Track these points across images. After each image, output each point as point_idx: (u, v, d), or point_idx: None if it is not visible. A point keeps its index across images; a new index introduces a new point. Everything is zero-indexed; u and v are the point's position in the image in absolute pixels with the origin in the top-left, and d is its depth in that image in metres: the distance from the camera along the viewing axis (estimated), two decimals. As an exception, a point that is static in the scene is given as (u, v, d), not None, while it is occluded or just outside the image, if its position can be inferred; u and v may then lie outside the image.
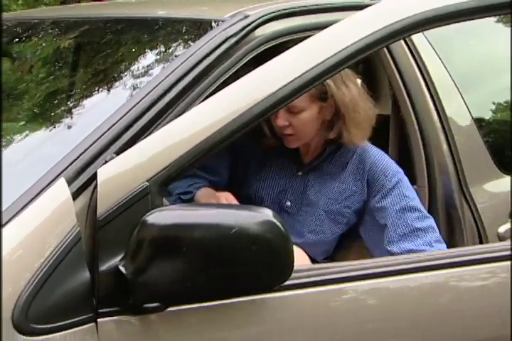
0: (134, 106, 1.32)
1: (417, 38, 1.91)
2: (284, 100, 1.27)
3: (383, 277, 1.31)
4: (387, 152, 2.06)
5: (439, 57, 1.94)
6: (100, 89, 1.59)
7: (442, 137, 1.90)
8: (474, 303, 1.41)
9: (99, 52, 1.73)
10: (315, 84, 1.31)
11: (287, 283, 1.20)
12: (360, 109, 1.81)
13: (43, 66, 1.81)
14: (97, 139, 1.25)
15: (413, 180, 1.93)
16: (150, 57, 1.65)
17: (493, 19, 2.13)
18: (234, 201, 1.72)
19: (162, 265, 1.14)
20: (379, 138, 2.10)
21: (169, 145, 1.21)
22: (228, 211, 1.20)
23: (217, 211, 1.21)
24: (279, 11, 1.62)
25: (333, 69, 1.31)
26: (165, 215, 1.16)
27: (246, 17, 1.57)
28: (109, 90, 1.56)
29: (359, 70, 2.50)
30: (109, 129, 1.27)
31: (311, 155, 1.92)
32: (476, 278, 1.41)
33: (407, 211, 1.79)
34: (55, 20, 1.90)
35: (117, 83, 1.58)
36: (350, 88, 1.79)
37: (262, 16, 1.57)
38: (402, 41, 1.89)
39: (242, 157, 1.94)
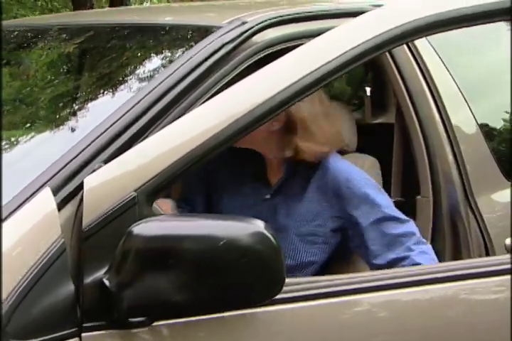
0: (126, 113, 1.29)
1: (421, 44, 1.87)
2: (280, 106, 1.24)
3: (377, 291, 1.28)
4: (391, 161, 2.02)
5: (444, 64, 1.90)
6: (90, 97, 1.57)
7: (447, 146, 1.85)
8: (486, 316, 1.37)
9: (93, 60, 1.71)
10: (312, 91, 1.28)
11: (280, 296, 1.16)
12: (320, 124, 1.76)
13: (38, 73, 1.79)
14: (85, 148, 1.22)
15: (417, 190, 1.88)
16: (144, 64, 1.63)
17: (503, 24, 2.08)
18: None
19: (148, 278, 1.10)
20: (383, 147, 2.06)
21: (159, 154, 1.18)
22: (218, 222, 1.17)
23: (207, 222, 1.17)
24: (277, 17, 1.60)
25: (330, 75, 1.28)
26: (152, 226, 1.13)
27: (244, 23, 1.56)
28: (99, 98, 1.54)
29: (368, 78, 2.48)
30: (97, 137, 1.24)
31: (275, 176, 1.85)
32: (487, 291, 1.38)
33: (382, 221, 1.72)
34: (49, 27, 1.87)
35: (109, 90, 1.55)
36: (311, 103, 1.73)
37: (260, 23, 1.55)
38: (405, 47, 1.84)
39: (216, 184, 1.92)
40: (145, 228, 1.12)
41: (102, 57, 1.70)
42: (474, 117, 1.91)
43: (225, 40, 1.48)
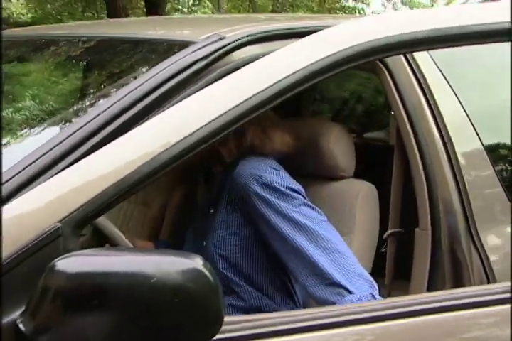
0: (77, 130, 1.17)
1: (423, 61, 1.71)
2: (212, 136, 1.15)
3: (328, 329, 1.16)
4: (389, 186, 1.85)
5: (445, 78, 1.72)
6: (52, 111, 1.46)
7: (449, 172, 1.67)
8: None
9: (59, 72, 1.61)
10: (241, 122, 1.19)
11: (218, 337, 1.05)
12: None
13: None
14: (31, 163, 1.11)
15: (415, 222, 1.71)
16: (108, 78, 1.51)
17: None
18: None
19: (69, 321, 0.97)
20: (384, 170, 1.90)
21: (87, 180, 1.05)
22: (149, 257, 1.03)
23: (137, 257, 1.04)
24: (258, 33, 1.48)
25: (263, 105, 1.20)
26: (75, 261, 1.00)
27: (221, 39, 1.45)
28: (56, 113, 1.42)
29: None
30: (43, 155, 1.12)
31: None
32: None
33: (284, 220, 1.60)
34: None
35: (66, 104, 1.44)
36: None
37: (240, 39, 1.44)
38: (405, 63, 1.69)
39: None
40: (68, 263, 0.98)
41: (65, 70, 1.60)
42: (480, 139, 1.73)
43: (198, 56, 1.38)
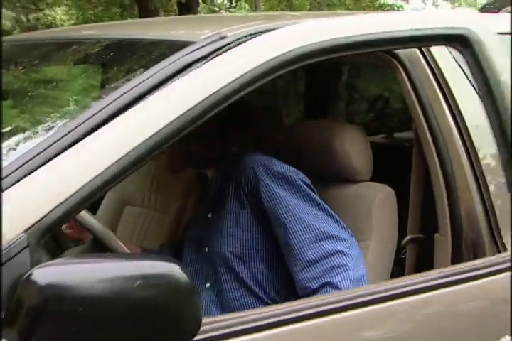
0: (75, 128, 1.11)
1: (441, 55, 1.59)
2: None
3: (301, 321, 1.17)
4: (408, 192, 1.74)
5: (468, 79, 1.60)
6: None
7: (470, 174, 1.55)
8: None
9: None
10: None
11: (198, 337, 1.06)
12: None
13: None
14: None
15: (435, 228, 1.60)
16: (104, 79, 1.44)
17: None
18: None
19: (46, 334, 0.93)
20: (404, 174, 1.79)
21: (51, 187, 1.00)
22: (124, 262, 1.02)
23: (112, 263, 1.01)
24: (259, 32, 1.40)
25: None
26: (48, 272, 0.95)
27: (222, 38, 1.36)
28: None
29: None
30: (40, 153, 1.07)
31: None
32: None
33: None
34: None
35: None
36: None
37: (242, 38, 1.36)
38: (421, 57, 1.57)
39: None
40: (41, 275, 0.94)
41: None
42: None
43: (196, 56, 1.30)
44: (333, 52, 1.41)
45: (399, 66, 1.56)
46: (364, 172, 1.81)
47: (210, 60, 1.29)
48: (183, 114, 1.16)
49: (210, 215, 1.73)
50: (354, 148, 1.78)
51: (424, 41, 1.52)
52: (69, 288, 0.93)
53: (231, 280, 1.65)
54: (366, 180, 1.82)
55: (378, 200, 1.75)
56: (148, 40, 1.54)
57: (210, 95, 1.20)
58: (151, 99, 1.17)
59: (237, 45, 1.34)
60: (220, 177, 1.73)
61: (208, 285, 1.68)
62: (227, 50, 1.33)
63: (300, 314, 1.20)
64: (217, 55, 1.31)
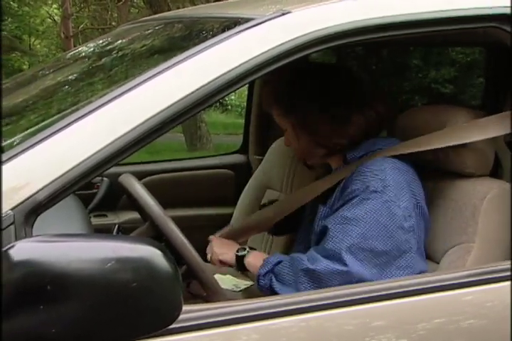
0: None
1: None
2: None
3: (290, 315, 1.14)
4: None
5: None
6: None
7: None
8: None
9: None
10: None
11: (175, 325, 1.04)
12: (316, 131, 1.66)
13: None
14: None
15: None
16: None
17: None
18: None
19: (23, 309, 0.95)
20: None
21: (39, 168, 1.03)
22: (102, 243, 1.00)
23: (92, 243, 1.01)
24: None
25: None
26: (27, 248, 0.98)
27: (284, 14, 1.32)
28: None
29: None
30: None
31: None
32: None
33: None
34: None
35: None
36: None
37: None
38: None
39: None
40: (20, 250, 0.97)
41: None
42: None
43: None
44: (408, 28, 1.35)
45: None
46: (478, 166, 1.61)
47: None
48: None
49: (310, 217, 1.74)
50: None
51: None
52: (40, 264, 0.94)
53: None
54: (481, 175, 1.62)
55: (489, 198, 1.53)
56: (214, 17, 1.61)
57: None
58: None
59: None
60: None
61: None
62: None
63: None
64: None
